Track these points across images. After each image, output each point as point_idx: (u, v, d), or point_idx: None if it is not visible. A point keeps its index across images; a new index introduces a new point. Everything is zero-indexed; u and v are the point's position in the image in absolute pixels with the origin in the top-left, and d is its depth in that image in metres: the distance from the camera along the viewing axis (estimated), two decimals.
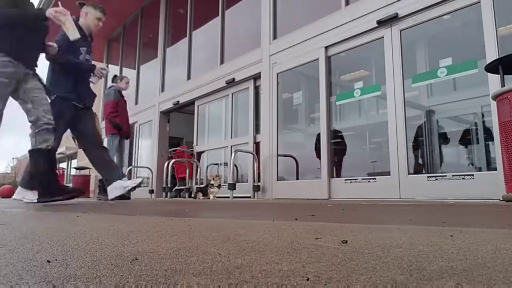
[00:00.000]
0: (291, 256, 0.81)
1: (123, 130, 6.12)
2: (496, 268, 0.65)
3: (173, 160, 7.27)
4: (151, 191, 8.51)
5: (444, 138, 4.34)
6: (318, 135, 5.20)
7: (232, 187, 5.55)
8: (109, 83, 6.74)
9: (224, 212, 2.64)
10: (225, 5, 7.49)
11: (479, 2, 3.74)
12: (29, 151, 3.71)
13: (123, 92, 6.47)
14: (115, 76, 6.69)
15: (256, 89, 6.46)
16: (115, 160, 5.91)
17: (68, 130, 4.28)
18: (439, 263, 0.69)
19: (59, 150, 16.83)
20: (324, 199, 4.84)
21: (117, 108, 6.08)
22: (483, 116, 3.97)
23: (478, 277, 0.59)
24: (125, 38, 11.54)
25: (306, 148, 5.85)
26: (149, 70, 10.00)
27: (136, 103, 10.25)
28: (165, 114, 9.09)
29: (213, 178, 5.96)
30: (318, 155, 5.16)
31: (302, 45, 5.53)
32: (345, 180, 4.78)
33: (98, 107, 12.63)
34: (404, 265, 0.68)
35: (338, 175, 5.01)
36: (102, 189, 5.95)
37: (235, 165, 6.58)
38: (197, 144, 7.79)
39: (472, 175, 3.66)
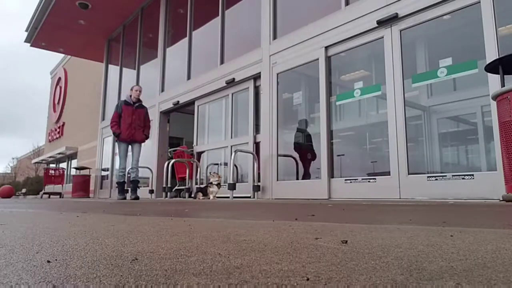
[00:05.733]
0: (291, 256, 0.81)
1: (121, 136, 6.65)
2: (496, 268, 0.65)
3: (173, 160, 7.27)
4: (151, 191, 8.51)
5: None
6: (295, 135, 5.73)
7: (232, 187, 5.55)
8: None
9: (224, 212, 2.64)
10: (225, 5, 7.49)
11: (479, 2, 3.74)
12: None
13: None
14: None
15: (256, 89, 6.46)
16: (121, 165, 6.74)
17: None
18: (439, 263, 0.69)
19: (59, 150, 16.63)
20: (324, 199, 4.84)
21: (118, 118, 6.74)
22: (483, 116, 3.96)
23: (478, 277, 0.59)
24: (125, 38, 11.54)
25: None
26: (149, 70, 10.00)
27: None
28: (165, 114, 9.09)
29: (211, 174, 5.99)
30: (299, 155, 5.65)
31: (302, 45, 5.53)
32: (345, 180, 4.78)
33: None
34: (404, 265, 0.68)
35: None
36: (120, 190, 6.81)
37: (235, 165, 6.58)
38: (197, 144, 7.79)
39: (472, 175, 3.66)
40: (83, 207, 3.78)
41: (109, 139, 11.53)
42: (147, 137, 7.01)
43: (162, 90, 9.09)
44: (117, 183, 6.97)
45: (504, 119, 2.85)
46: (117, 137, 6.72)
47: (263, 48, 6.20)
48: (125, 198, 6.81)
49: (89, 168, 12.88)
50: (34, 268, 0.72)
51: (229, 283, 0.59)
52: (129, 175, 6.99)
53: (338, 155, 5.14)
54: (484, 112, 3.91)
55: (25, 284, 0.60)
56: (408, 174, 4.14)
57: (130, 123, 6.70)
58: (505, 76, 3.03)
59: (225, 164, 7.10)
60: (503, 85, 2.98)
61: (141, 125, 6.85)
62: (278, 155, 5.76)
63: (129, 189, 6.93)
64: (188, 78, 8.27)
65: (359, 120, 5.29)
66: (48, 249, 0.96)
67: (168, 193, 7.20)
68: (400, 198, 4.13)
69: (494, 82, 3.41)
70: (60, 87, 20.22)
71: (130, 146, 6.79)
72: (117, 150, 7.08)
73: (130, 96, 6.85)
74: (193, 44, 8.45)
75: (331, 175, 4.95)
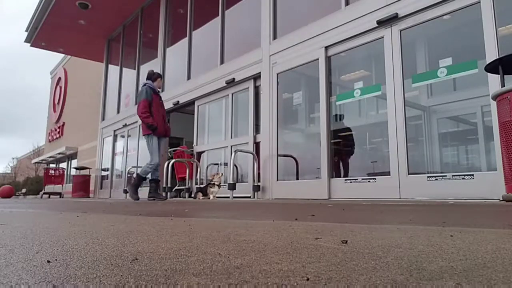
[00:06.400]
0: (291, 256, 0.81)
1: (158, 130, 5.73)
2: (496, 268, 0.65)
3: (173, 160, 7.27)
4: None
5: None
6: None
7: (232, 187, 5.55)
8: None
9: (224, 212, 2.64)
10: (225, 5, 7.49)
11: (479, 2, 3.74)
12: None
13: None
14: (150, 72, 6.15)
15: (256, 89, 6.46)
16: (154, 160, 5.70)
17: None
18: (439, 263, 0.69)
19: (59, 150, 16.61)
20: (324, 199, 4.84)
21: (150, 107, 5.73)
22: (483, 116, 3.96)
23: (478, 277, 0.59)
24: (125, 38, 11.54)
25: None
26: None
27: (136, 103, 10.24)
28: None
29: (213, 176, 5.98)
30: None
31: (302, 45, 5.53)
32: (345, 180, 4.78)
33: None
34: (404, 265, 0.68)
35: (346, 176, 5.02)
36: (155, 188, 5.85)
37: (235, 165, 6.58)
38: (197, 144, 7.79)
39: (472, 175, 3.66)
40: (83, 207, 3.78)
41: (109, 139, 11.53)
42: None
43: (162, 90, 9.08)
44: (152, 180, 5.78)
45: (504, 119, 2.85)
46: (153, 131, 5.62)
47: (263, 48, 6.20)
48: (166, 198, 5.98)
49: (89, 168, 12.88)
50: (34, 268, 0.72)
51: (229, 283, 0.59)
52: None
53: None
54: (484, 112, 3.91)
55: (25, 284, 0.60)
56: (408, 174, 4.14)
57: (163, 115, 5.87)
58: (505, 76, 3.03)
59: (225, 164, 7.10)
60: (503, 85, 2.98)
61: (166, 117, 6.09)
62: (278, 155, 5.76)
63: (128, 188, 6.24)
64: (188, 78, 8.27)
65: (359, 120, 5.29)
66: (48, 249, 0.96)
67: (168, 193, 7.20)
68: (400, 198, 4.13)
69: (494, 82, 3.41)
70: (60, 87, 20.23)
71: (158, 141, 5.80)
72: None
73: (152, 82, 5.91)
74: (193, 44, 8.45)
75: (331, 175, 4.95)
